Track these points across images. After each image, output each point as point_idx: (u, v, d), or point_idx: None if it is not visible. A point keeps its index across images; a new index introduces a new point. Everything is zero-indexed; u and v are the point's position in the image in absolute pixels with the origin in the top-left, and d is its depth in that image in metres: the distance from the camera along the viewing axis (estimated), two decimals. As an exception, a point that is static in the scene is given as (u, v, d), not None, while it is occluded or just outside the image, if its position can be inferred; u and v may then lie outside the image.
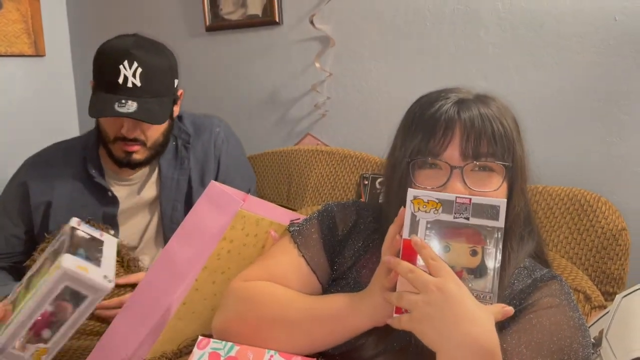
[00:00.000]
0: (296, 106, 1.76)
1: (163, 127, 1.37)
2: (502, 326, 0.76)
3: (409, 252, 0.70)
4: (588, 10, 1.31)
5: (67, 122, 2.27)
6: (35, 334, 0.90)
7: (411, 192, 0.72)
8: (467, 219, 0.70)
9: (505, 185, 0.81)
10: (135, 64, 1.27)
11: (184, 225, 1.01)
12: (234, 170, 1.51)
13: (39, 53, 2.14)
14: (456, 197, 0.70)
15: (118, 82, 1.27)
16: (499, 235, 0.69)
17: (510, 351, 0.75)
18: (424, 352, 0.78)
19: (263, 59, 1.80)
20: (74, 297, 0.89)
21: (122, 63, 1.26)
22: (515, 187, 0.83)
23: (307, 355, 0.78)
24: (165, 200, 1.43)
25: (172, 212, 1.43)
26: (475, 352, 0.66)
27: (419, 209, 0.71)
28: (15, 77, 2.10)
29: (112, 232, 1.38)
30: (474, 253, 0.70)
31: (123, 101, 1.26)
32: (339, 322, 0.78)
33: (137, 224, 1.44)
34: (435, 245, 0.71)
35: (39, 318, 0.88)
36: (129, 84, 1.27)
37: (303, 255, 0.89)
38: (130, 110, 1.25)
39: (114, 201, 1.41)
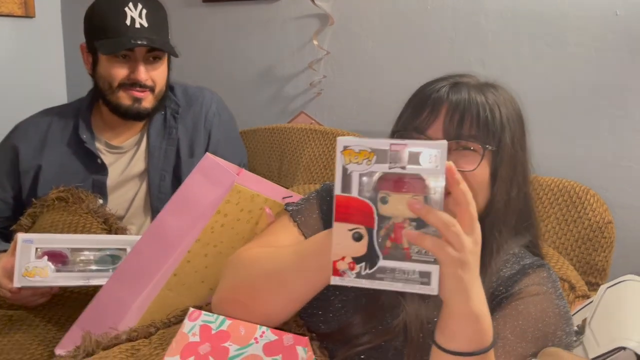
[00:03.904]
0: (291, 83, 1.75)
1: (166, 73, 1.38)
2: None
3: (343, 210, 0.63)
4: (590, 2, 1.31)
5: (55, 85, 2.23)
6: (54, 258, 1.08)
7: (341, 142, 0.62)
8: (404, 167, 0.62)
9: (485, 167, 0.82)
10: (140, 5, 1.30)
11: (175, 197, 1.00)
12: (224, 145, 1.50)
13: (28, 14, 2.08)
14: (390, 143, 0.62)
15: (126, 24, 1.28)
16: (443, 181, 0.62)
17: (495, 336, 0.77)
18: (411, 331, 0.79)
19: (260, 33, 1.78)
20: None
21: (127, 5, 1.29)
22: (499, 173, 0.83)
23: (299, 333, 0.79)
24: (153, 170, 1.42)
25: (160, 182, 1.42)
26: (481, 331, 0.67)
27: (350, 160, 0.62)
28: (2, 37, 2.05)
29: (101, 201, 1.37)
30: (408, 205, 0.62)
31: (133, 41, 1.27)
32: (321, 256, 0.74)
33: (125, 194, 1.43)
34: (371, 199, 0.63)
35: (63, 252, 1.09)
36: (137, 25, 1.29)
37: (303, 234, 0.89)
38: (143, 43, 1.27)
39: (103, 169, 1.39)
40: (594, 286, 1.17)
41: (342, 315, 0.85)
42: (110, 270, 1.11)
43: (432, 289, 0.62)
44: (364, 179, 0.62)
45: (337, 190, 0.62)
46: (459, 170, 0.80)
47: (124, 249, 1.13)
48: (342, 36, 1.64)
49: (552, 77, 1.37)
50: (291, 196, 1.09)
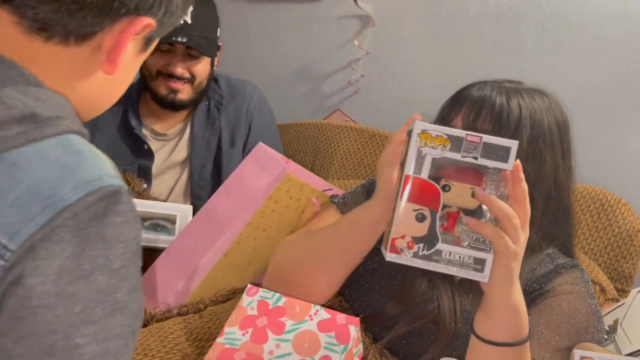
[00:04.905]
0: (328, 81, 1.80)
1: (208, 68, 1.42)
2: None
3: (411, 190, 0.65)
4: (632, 17, 1.34)
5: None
6: None
7: (419, 125, 0.65)
8: (476, 158, 0.65)
9: None
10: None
11: (228, 183, 1.06)
12: (263, 137, 1.55)
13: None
14: (466, 134, 0.65)
15: None
16: (501, 178, 0.65)
17: (530, 330, 0.81)
18: (442, 315, 0.84)
19: (300, 31, 1.83)
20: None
21: None
22: None
23: (351, 314, 0.84)
24: (195, 158, 1.48)
25: (201, 169, 1.48)
26: (519, 323, 0.72)
27: (425, 144, 0.65)
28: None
29: (145, 185, 1.43)
30: (474, 194, 0.66)
31: (174, 38, 1.32)
32: (364, 212, 0.82)
33: (167, 180, 1.49)
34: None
35: None
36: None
37: None
38: (182, 40, 1.32)
39: (149, 154, 1.45)
40: (620, 292, 1.20)
41: (382, 299, 0.90)
42: (159, 235, 1.17)
43: (484, 276, 0.67)
44: (432, 164, 0.66)
45: (409, 171, 0.65)
46: None
47: (174, 218, 1.18)
48: (382, 38, 1.68)
49: (588, 87, 1.40)
50: (331, 189, 1.14)
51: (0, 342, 0.42)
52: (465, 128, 0.87)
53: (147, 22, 0.52)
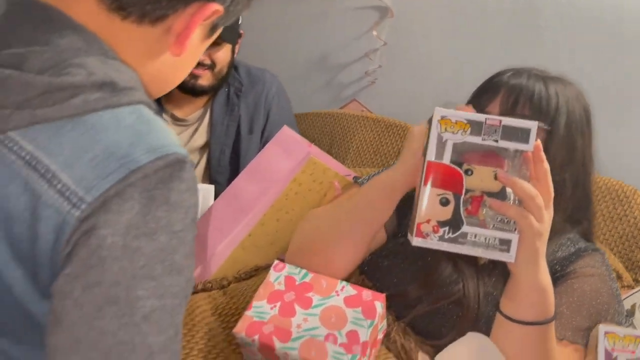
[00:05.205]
0: (345, 71, 1.82)
1: (229, 56, 1.45)
2: None
3: (434, 176, 0.67)
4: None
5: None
6: None
7: (439, 112, 0.68)
8: (496, 141, 0.66)
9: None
10: None
11: (252, 164, 1.08)
12: (281, 125, 1.56)
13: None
14: (486, 118, 0.67)
15: None
16: (522, 160, 0.67)
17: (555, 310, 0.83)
18: (467, 297, 0.86)
19: (319, 21, 1.84)
20: None
21: None
22: (550, 153, 0.84)
23: (374, 292, 0.85)
24: (214, 144, 1.50)
25: (220, 155, 1.51)
26: (546, 302, 0.73)
27: (446, 129, 0.67)
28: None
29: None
30: (497, 176, 0.68)
31: None
32: (384, 178, 0.85)
33: (186, 165, 1.51)
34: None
35: None
36: None
37: None
38: None
39: (170, 139, 1.48)
40: (634, 282, 1.22)
41: (404, 280, 0.91)
42: None
43: (510, 257, 0.68)
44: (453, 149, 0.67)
45: (431, 157, 0.68)
46: None
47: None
48: (400, 30, 1.70)
49: (605, 81, 1.41)
50: (350, 174, 1.16)
51: (68, 289, 0.44)
52: (503, 114, 0.87)
53: (216, 8, 0.55)
